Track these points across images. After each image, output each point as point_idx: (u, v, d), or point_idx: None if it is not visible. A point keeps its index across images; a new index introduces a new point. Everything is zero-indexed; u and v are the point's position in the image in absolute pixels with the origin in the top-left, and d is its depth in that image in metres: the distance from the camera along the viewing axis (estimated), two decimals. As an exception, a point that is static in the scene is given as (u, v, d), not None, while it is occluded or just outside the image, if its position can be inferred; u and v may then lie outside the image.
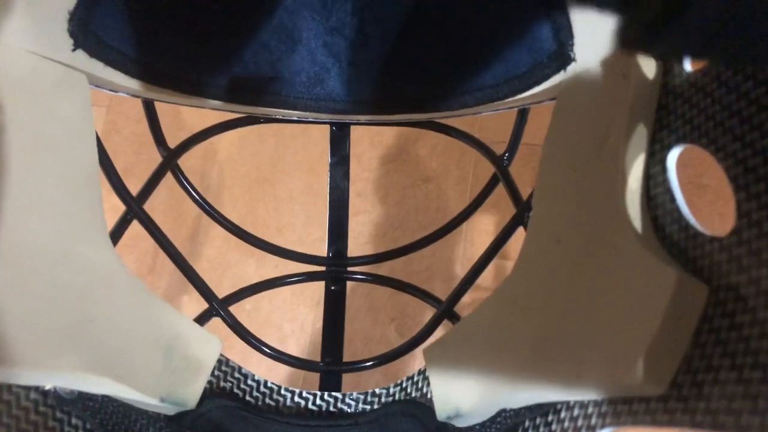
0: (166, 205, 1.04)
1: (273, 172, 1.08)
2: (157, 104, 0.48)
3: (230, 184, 1.08)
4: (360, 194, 1.05)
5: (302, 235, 1.05)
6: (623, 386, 0.28)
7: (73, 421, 0.35)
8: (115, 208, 0.44)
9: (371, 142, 1.07)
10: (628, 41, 0.14)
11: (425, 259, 1.00)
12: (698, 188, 0.98)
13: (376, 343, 0.98)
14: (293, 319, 1.01)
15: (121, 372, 0.36)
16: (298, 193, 1.07)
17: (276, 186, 1.08)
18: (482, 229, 1.00)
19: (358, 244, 1.03)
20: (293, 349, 1.00)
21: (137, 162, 1.07)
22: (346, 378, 0.50)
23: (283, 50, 0.46)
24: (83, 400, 0.36)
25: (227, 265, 1.04)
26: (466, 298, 0.48)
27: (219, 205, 1.06)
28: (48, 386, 0.34)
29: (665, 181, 0.32)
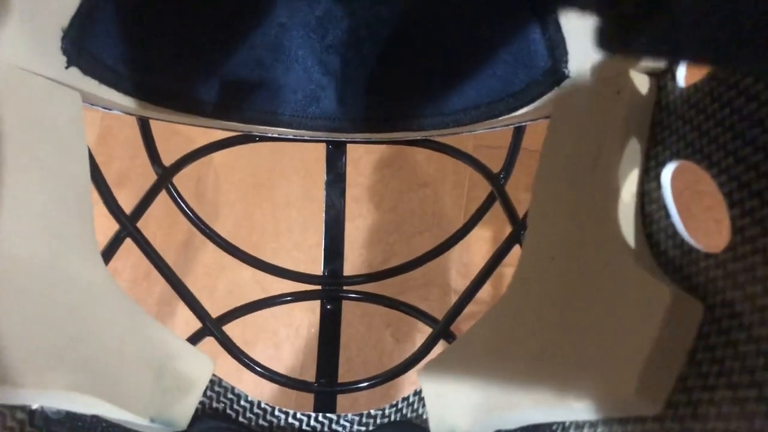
0: (162, 210, 1.04)
1: (270, 177, 1.08)
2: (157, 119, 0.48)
3: (227, 189, 1.08)
4: (356, 199, 1.05)
5: (299, 240, 1.04)
6: (618, 406, 0.28)
7: None
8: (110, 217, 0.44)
9: (367, 147, 1.07)
10: (606, 41, 0.14)
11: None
12: (695, 194, 0.98)
13: (372, 348, 0.97)
14: (289, 324, 1.01)
15: (111, 391, 0.35)
16: (295, 198, 1.07)
17: (273, 191, 1.08)
18: (479, 235, 1.00)
19: (353, 249, 1.03)
20: (288, 354, 0.99)
21: (133, 167, 1.07)
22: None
23: (278, 68, 0.46)
24: (71, 420, 0.35)
25: (222, 269, 1.03)
26: (465, 310, 0.48)
27: (215, 211, 1.06)
28: (35, 406, 0.34)
29: (660, 198, 0.32)
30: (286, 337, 1.00)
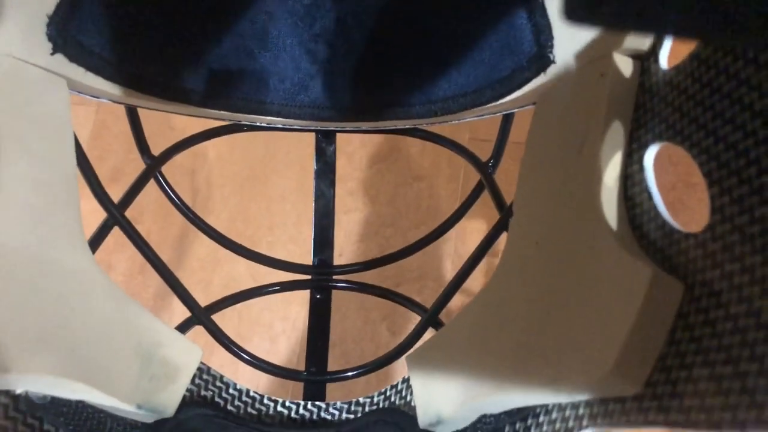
0: (157, 203, 1.04)
1: (264, 170, 1.08)
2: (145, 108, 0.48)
3: (221, 183, 1.08)
4: (351, 193, 1.05)
5: (294, 233, 1.04)
6: (599, 387, 0.28)
7: (45, 426, 0.35)
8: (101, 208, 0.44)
9: (362, 140, 1.07)
10: (571, 11, 0.14)
11: (416, 258, 0.99)
12: (688, 187, 0.97)
13: (368, 341, 0.97)
14: (284, 317, 1.01)
15: (97, 378, 0.35)
16: (290, 192, 1.07)
17: (267, 184, 1.08)
18: (473, 227, 1.00)
19: (349, 243, 1.03)
20: (284, 347, 1.00)
21: (128, 161, 1.07)
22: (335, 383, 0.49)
23: (266, 57, 0.46)
24: (56, 406, 0.36)
25: (217, 263, 1.03)
26: (455, 301, 0.48)
27: (210, 205, 1.06)
28: (19, 390, 0.34)
29: (643, 180, 0.32)
30: (282, 330, 1.00)
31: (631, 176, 0.33)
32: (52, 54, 0.39)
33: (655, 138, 0.32)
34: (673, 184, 0.98)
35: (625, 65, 0.34)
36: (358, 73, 0.47)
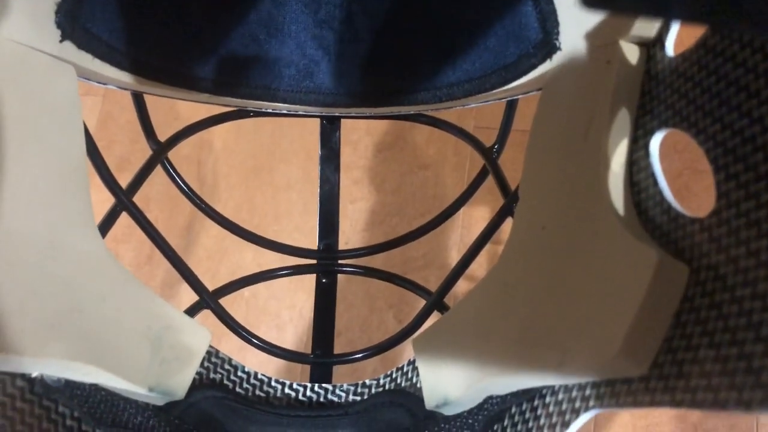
0: (163, 193, 1.04)
1: (270, 160, 1.09)
2: (151, 96, 0.48)
3: (227, 172, 1.08)
4: (357, 181, 1.06)
5: (300, 222, 1.05)
6: (606, 368, 0.28)
7: (60, 409, 0.36)
8: (110, 198, 0.44)
9: (367, 129, 1.07)
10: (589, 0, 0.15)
11: (422, 246, 1.00)
12: (695, 173, 0.98)
13: (375, 330, 0.98)
14: (292, 306, 1.01)
15: (110, 361, 0.36)
16: (296, 181, 1.07)
17: (273, 174, 1.08)
18: (479, 215, 1.01)
19: (355, 232, 1.03)
20: (291, 336, 1.00)
21: (134, 151, 1.07)
22: (345, 367, 0.50)
23: (272, 43, 0.46)
24: (71, 389, 0.36)
25: (224, 252, 1.04)
26: (461, 287, 0.49)
27: (216, 195, 1.06)
28: (35, 374, 0.34)
29: (648, 166, 0.32)
30: (289, 319, 1.01)
31: (637, 162, 0.33)
32: (60, 41, 0.39)
33: (660, 125, 0.32)
34: (679, 171, 0.99)
35: (631, 52, 0.34)
36: (362, 59, 0.47)
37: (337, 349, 0.50)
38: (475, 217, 1.01)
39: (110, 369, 0.35)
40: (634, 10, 0.15)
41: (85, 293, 0.37)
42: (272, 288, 1.02)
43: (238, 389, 0.44)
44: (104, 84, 0.43)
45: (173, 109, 1.00)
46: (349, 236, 1.03)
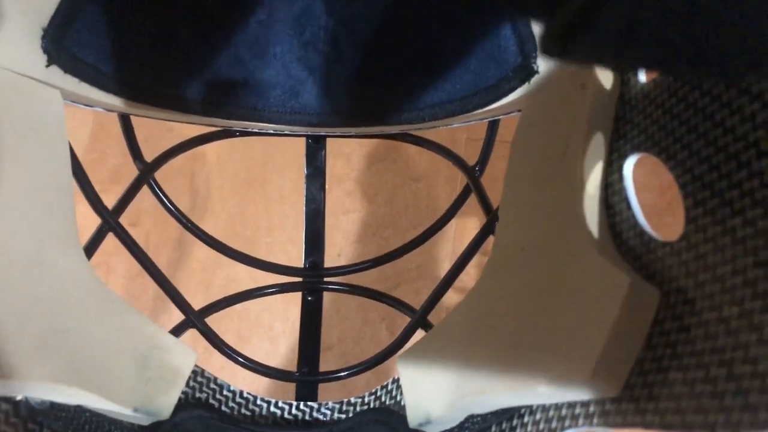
0: (155, 206, 1.04)
1: (263, 172, 1.09)
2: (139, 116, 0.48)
3: (220, 184, 1.09)
4: (350, 193, 1.06)
5: (292, 234, 1.05)
6: (579, 389, 0.29)
7: (45, 431, 0.36)
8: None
9: (359, 141, 1.08)
10: (548, 48, 0.15)
11: (414, 258, 1.00)
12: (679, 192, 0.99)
13: (368, 342, 0.98)
14: (284, 318, 1.01)
15: (94, 382, 0.36)
16: (288, 193, 1.08)
17: (266, 186, 1.08)
18: (471, 227, 1.01)
19: (348, 243, 1.04)
20: (284, 348, 1.00)
21: (127, 163, 1.06)
22: (336, 382, 0.51)
23: (257, 64, 0.47)
24: (55, 411, 0.36)
25: (218, 265, 1.04)
26: (452, 299, 0.49)
27: (209, 207, 1.06)
28: (19, 397, 0.35)
29: (622, 189, 0.33)
30: (282, 331, 1.01)
31: (612, 185, 0.34)
32: (47, 66, 0.40)
33: (633, 149, 0.33)
34: (670, 183, 0.99)
35: (605, 78, 0.35)
36: (347, 79, 0.48)
37: (330, 362, 0.50)
38: (467, 229, 1.02)
39: (95, 390, 0.36)
40: (587, 61, 0.16)
41: (70, 314, 0.38)
42: (264, 300, 1.02)
43: (224, 408, 0.44)
44: (91, 106, 0.44)
45: (166, 122, 1.00)
46: (342, 248, 1.03)
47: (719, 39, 0.14)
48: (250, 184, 1.08)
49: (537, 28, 0.40)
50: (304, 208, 0.53)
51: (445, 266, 1.01)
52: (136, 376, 0.40)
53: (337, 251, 1.02)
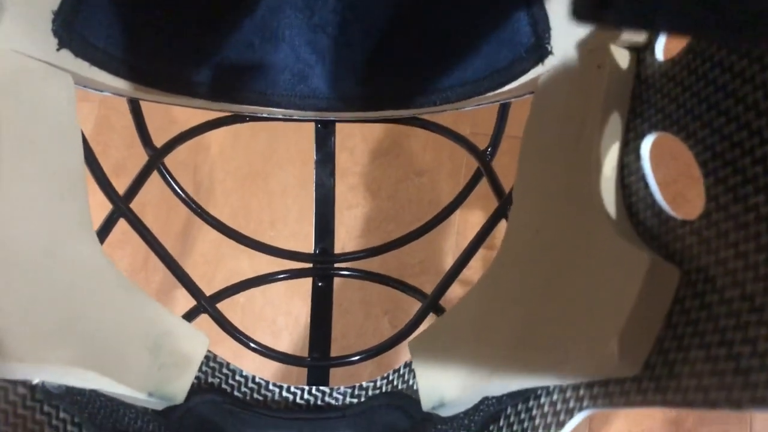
0: (159, 199, 1.05)
1: (265, 166, 1.09)
2: (148, 102, 0.48)
3: (223, 178, 1.08)
4: (353, 187, 1.06)
5: (295, 229, 1.05)
6: (599, 369, 0.29)
7: (61, 415, 0.36)
8: (106, 204, 0.45)
9: (363, 135, 1.07)
10: (578, 12, 0.15)
11: (418, 252, 1.00)
12: (690, 179, 0.99)
13: (371, 335, 0.99)
14: (287, 312, 1.02)
15: (109, 367, 0.36)
16: (291, 187, 1.08)
17: (269, 180, 1.08)
18: (474, 221, 1.01)
19: (351, 238, 1.04)
20: (287, 343, 1.01)
21: (129, 156, 1.07)
22: (341, 371, 0.51)
23: (266, 48, 0.47)
24: (71, 395, 0.36)
25: (221, 258, 1.04)
26: (456, 292, 0.49)
27: (212, 200, 1.07)
28: (36, 380, 0.35)
29: (639, 169, 0.33)
30: (284, 326, 1.01)
31: (628, 165, 0.34)
32: (57, 50, 0.39)
33: (651, 128, 0.33)
34: (674, 177, 0.99)
35: (621, 57, 0.35)
36: (357, 63, 0.47)
37: (334, 354, 0.50)
38: (470, 223, 1.01)
39: (110, 374, 0.36)
40: (621, 24, 0.15)
41: (84, 300, 0.38)
42: (268, 294, 1.02)
43: (236, 393, 0.44)
44: (101, 91, 0.43)
45: (170, 114, 1.00)
46: (345, 242, 1.03)
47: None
48: (253, 177, 1.08)
49: (551, 6, 0.39)
50: (314, 194, 0.53)
51: (448, 260, 1.01)
52: (149, 361, 0.40)
53: (341, 246, 1.02)
